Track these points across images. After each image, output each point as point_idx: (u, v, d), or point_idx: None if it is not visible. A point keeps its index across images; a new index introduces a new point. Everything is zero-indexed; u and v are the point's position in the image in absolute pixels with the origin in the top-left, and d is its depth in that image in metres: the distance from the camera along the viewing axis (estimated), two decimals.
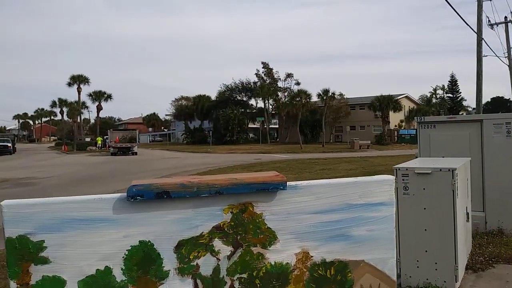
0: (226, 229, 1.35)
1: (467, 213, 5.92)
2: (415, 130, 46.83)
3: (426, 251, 4.94)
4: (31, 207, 1.26)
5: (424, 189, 5.08)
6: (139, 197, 1.28)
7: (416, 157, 8.20)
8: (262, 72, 52.08)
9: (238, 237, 1.36)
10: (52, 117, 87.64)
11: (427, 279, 5.01)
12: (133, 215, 1.30)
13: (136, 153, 34.36)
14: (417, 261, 4.96)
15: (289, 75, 51.28)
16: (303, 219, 1.39)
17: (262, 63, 51.79)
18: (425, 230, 4.98)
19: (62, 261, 1.27)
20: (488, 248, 6.66)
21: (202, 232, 1.34)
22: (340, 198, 1.41)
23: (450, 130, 8.05)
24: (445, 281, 4.93)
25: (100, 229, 1.29)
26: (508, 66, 26.27)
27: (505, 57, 26.08)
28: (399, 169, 4.87)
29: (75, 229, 1.28)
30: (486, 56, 19.72)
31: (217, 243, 1.35)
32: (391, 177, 1.44)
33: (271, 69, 51.81)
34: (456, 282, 4.98)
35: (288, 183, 1.38)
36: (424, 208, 5.01)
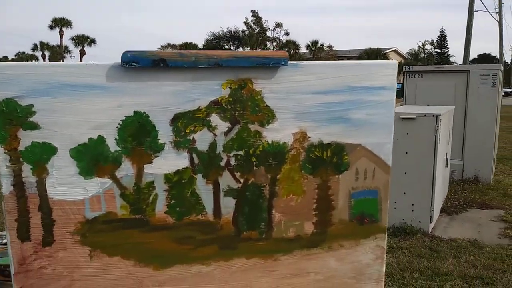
0: (224, 105, 1.31)
1: (447, 159, 6.06)
2: (401, 85, 46.92)
3: (404, 193, 5.09)
4: (20, 68, 1.19)
5: (407, 134, 5.17)
6: (134, 63, 1.22)
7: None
8: (251, 21, 50.83)
9: (236, 114, 1.32)
10: (33, 61, 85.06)
11: (403, 219, 5.22)
12: (128, 84, 1.25)
13: None
14: (395, 202, 5.11)
15: (278, 25, 50.24)
16: (303, 99, 1.35)
17: (252, 11, 50.54)
18: (405, 173, 5.09)
19: (52, 128, 1.22)
20: (463, 194, 6.93)
21: (199, 107, 1.30)
22: (341, 79, 1.37)
23: (437, 80, 8.07)
24: (420, 222, 5.14)
25: (93, 97, 1.23)
26: (498, 22, 26.10)
27: (496, 13, 25.85)
28: None
29: (67, 95, 1.22)
30: (477, 11, 19.44)
31: (214, 119, 1.31)
32: (394, 62, 1.41)
33: (260, 18, 50.62)
34: (431, 222, 5.19)
35: (289, 61, 1.33)
36: (406, 153, 5.09)
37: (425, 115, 5.18)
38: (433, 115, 5.12)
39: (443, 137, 5.46)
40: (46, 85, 1.20)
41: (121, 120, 1.25)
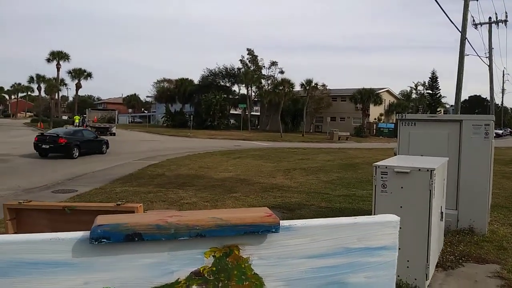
0: (206, 275, 1.16)
1: (442, 213, 5.92)
2: (393, 124, 47.49)
3: (399, 248, 4.90)
4: None
5: (402, 187, 5.02)
6: (104, 240, 1.08)
7: (395, 154, 8.11)
8: (247, 59, 51.57)
9: (220, 284, 1.17)
10: (29, 93, 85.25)
11: (398, 276, 4.98)
12: (97, 259, 1.10)
13: (114, 134, 33.72)
14: None
15: (273, 63, 50.95)
16: (295, 264, 1.21)
17: (248, 49, 51.22)
18: (400, 228, 4.93)
19: None
20: (459, 247, 6.72)
21: (178, 279, 1.15)
22: (337, 241, 1.23)
23: (430, 129, 8.02)
24: (415, 279, 4.93)
25: (56, 275, 1.08)
26: (488, 66, 26.63)
27: (486, 57, 26.41)
28: (378, 166, 4.77)
29: (26, 274, 1.07)
30: (468, 55, 19.73)
31: None
32: (396, 218, 1.28)
33: (256, 56, 51.34)
34: (427, 280, 4.98)
35: (280, 222, 1.20)
36: (401, 207, 4.94)
37: (419, 170, 5.04)
38: (428, 170, 4.98)
39: (438, 191, 5.34)
40: (4, 264, 1.05)
41: None
